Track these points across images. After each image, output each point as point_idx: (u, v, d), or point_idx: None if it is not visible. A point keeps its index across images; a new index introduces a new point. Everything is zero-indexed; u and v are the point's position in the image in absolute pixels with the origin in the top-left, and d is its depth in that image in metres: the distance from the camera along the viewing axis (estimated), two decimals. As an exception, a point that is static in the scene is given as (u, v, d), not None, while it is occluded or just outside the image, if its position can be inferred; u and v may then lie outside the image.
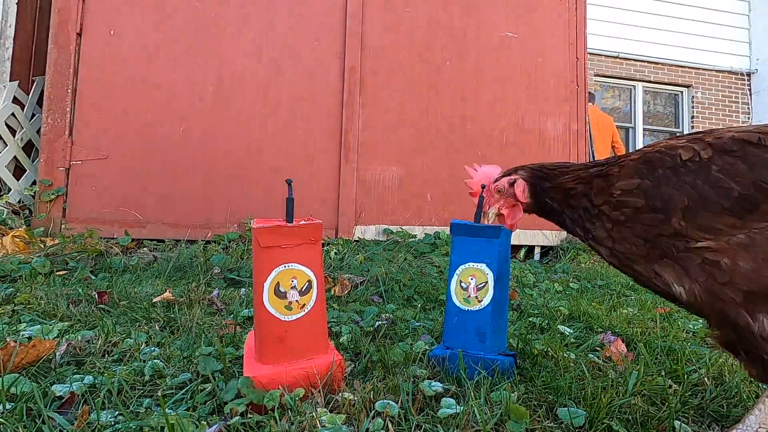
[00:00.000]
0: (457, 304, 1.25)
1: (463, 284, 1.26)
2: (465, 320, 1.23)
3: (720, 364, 1.27)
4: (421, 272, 2.54)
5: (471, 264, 1.26)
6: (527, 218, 3.89)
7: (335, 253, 2.82)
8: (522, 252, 3.77)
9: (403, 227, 3.42)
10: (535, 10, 3.92)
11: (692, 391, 1.14)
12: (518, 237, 3.69)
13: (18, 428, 0.81)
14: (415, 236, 3.35)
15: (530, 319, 1.71)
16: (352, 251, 2.89)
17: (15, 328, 1.40)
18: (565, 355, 1.27)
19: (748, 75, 7.64)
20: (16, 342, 1.14)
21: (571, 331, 1.60)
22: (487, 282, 1.23)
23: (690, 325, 1.72)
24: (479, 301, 1.22)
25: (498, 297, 1.23)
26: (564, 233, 3.83)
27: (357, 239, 3.30)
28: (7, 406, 0.91)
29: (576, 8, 4.02)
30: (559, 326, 1.64)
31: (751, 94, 7.63)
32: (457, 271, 1.28)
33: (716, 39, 7.53)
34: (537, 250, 3.80)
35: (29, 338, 1.27)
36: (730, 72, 7.59)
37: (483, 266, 1.24)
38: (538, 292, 2.31)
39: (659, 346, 1.46)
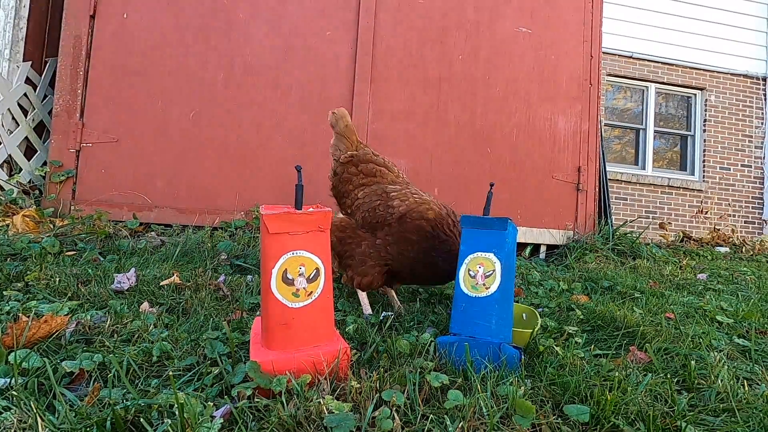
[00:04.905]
0: (465, 291, 1.27)
1: (471, 272, 1.28)
2: (472, 306, 1.24)
3: (727, 369, 1.27)
4: (427, 266, 2.54)
5: (479, 253, 1.28)
6: (534, 216, 3.84)
7: (341, 244, 2.82)
8: (527, 250, 3.76)
9: (409, 221, 3.41)
10: (550, 5, 3.88)
11: (699, 396, 1.14)
12: (524, 235, 3.68)
13: (30, 401, 0.82)
14: (421, 230, 3.35)
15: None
16: (358, 243, 2.89)
17: (26, 305, 1.41)
18: (573, 352, 1.26)
19: (764, 79, 7.52)
20: (28, 317, 1.15)
21: (578, 330, 1.60)
22: (494, 270, 1.25)
23: (698, 329, 1.71)
24: (487, 288, 1.24)
25: (504, 286, 1.24)
26: (570, 232, 3.82)
27: (363, 231, 3.30)
28: (19, 381, 0.92)
29: (593, 5, 3.97)
30: (565, 326, 1.64)
31: (766, 99, 7.53)
32: (466, 260, 1.29)
33: (732, 42, 7.41)
34: (543, 249, 3.79)
35: (37, 315, 1.29)
36: (745, 76, 7.48)
37: (491, 255, 1.26)
38: (543, 290, 2.30)
39: (668, 348, 1.45)
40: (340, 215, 1.84)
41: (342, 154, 1.85)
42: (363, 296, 1.73)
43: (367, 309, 1.70)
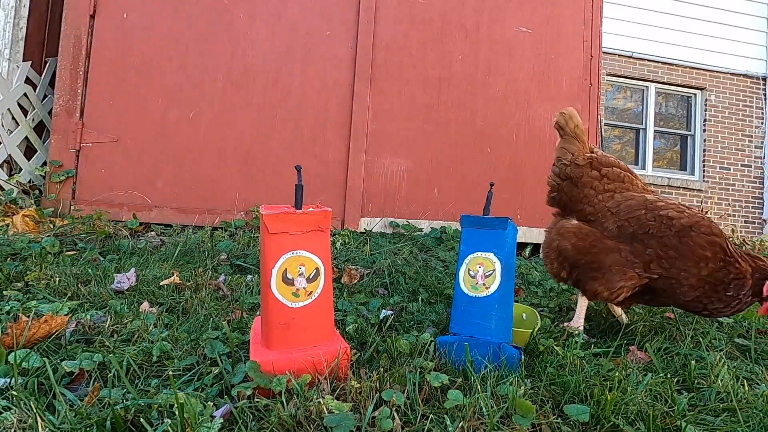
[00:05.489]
0: (465, 291, 1.27)
1: (471, 272, 1.28)
2: (472, 306, 1.25)
3: (727, 369, 1.27)
4: (427, 266, 2.54)
5: (479, 253, 1.28)
6: (532, 216, 3.84)
7: (341, 244, 2.83)
8: (527, 250, 3.76)
9: (409, 221, 3.42)
10: (550, 5, 3.87)
11: (699, 395, 1.14)
12: (524, 235, 3.68)
13: (30, 401, 0.82)
14: (421, 230, 3.35)
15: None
16: (357, 242, 2.90)
17: (26, 305, 1.41)
18: (572, 352, 1.26)
19: (764, 79, 7.53)
20: (28, 317, 1.15)
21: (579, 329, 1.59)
22: (494, 270, 1.25)
23: (698, 327, 1.71)
24: (487, 288, 1.24)
25: (504, 286, 1.24)
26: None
27: (363, 231, 3.30)
28: (19, 381, 0.92)
29: (593, 5, 3.97)
30: (565, 324, 1.64)
31: (765, 99, 7.53)
32: (466, 260, 1.29)
33: (732, 41, 7.42)
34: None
35: (37, 315, 1.29)
36: (745, 75, 7.49)
37: (491, 255, 1.26)
38: (543, 290, 2.30)
39: (668, 348, 1.45)
40: (574, 221, 1.66)
41: (575, 157, 1.74)
42: (584, 305, 1.60)
43: (579, 321, 1.59)
